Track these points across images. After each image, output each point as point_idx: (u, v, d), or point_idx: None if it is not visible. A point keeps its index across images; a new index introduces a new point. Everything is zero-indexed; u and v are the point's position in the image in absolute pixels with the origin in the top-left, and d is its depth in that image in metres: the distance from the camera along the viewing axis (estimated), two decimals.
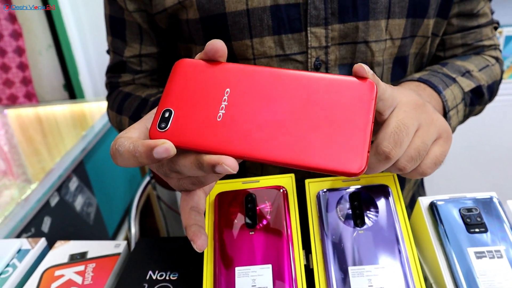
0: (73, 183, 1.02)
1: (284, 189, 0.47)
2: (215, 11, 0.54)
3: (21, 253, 0.56)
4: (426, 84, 0.55)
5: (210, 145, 0.31)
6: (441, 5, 0.59)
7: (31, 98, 1.57)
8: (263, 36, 0.55)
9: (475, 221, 0.46)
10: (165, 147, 0.30)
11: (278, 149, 0.31)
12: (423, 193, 0.81)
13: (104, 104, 1.49)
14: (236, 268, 0.42)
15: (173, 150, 0.31)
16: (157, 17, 0.60)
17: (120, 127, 0.67)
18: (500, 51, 0.70)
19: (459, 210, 0.47)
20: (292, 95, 0.32)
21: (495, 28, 0.69)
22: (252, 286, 0.40)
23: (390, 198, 0.45)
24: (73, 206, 1.02)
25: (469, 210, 0.47)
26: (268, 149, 0.31)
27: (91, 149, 1.14)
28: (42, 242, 0.58)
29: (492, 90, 0.65)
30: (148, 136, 0.33)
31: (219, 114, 0.32)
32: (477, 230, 0.45)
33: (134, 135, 0.34)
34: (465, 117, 0.63)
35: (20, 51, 1.49)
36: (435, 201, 0.48)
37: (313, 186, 0.48)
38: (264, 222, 0.44)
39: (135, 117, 0.62)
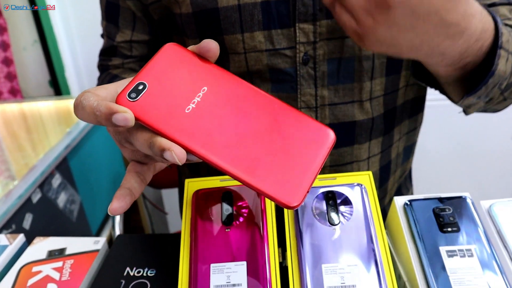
0: (56, 180, 1.02)
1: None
2: (208, 5, 0.55)
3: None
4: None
5: (169, 130, 0.32)
6: None
7: (15, 94, 1.55)
8: (254, 31, 0.56)
9: (448, 220, 0.47)
10: (125, 116, 0.31)
11: (229, 158, 0.32)
12: (409, 186, 0.81)
13: None
14: (212, 265, 0.42)
15: (131, 121, 0.32)
16: (151, 7, 0.61)
17: None
18: None
19: (433, 209, 0.48)
20: (261, 115, 0.34)
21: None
22: (227, 282, 0.41)
23: (365, 197, 0.46)
24: (56, 203, 1.01)
25: (443, 209, 0.48)
26: (220, 154, 0.32)
27: (75, 146, 1.14)
28: (21, 238, 0.58)
29: None
30: (115, 100, 0.33)
31: (188, 107, 0.33)
32: (449, 229, 0.46)
33: (102, 94, 0.34)
34: (502, 92, 0.53)
35: (4, 46, 1.47)
36: (409, 201, 0.49)
37: None
38: (241, 219, 0.45)
39: None
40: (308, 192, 0.32)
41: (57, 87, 1.60)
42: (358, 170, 0.65)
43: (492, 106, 0.57)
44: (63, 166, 1.07)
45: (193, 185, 0.49)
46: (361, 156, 0.64)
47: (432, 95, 0.75)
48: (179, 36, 0.62)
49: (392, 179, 0.72)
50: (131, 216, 1.46)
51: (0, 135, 1.38)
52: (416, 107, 0.70)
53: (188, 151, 0.32)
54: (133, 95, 0.33)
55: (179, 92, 0.34)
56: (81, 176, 1.16)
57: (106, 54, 0.69)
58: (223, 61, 0.60)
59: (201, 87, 0.34)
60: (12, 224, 0.85)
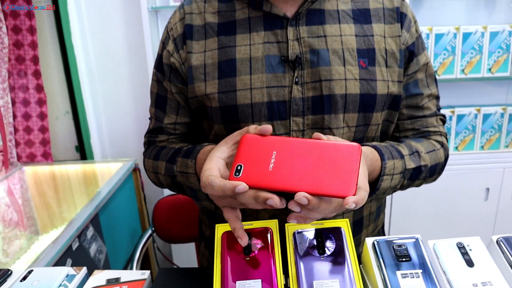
0: (90, 232, 1.19)
1: (270, 229, 0.67)
2: (230, 103, 0.77)
3: (69, 277, 0.72)
4: (377, 151, 0.76)
5: (266, 184, 0.55)
6: (391, 101, 0.82)
7: (47, 157, 1.75)
8: (261, 121, 0.77)
9: (402, 253, 0.65)
10: (243, 186, 0.55)
11: (303, 184, 0.55)
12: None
13: (112, 165, 1.68)
14: (237, 282, 0.60)
15: (247, 188, 0.55)
16: (190, 100, 0.83)
17: (155, 171, 0.85)
18: (447, 138, 0.90)
19: (392, 246, 0.67)
20: (310, 151, 0.58)
21: (442, 120, 0.89)
22: None
23: (343, 236, 0.65)
24: (88, 252, 1.17)
25: (399, 246, 0.66)
26: (296, 184, 0.55)
27: (104, 204, 1.32)
28: (84, 270, 0.75)
29: (435, 169, 0.85)
30: (228, 178, 0.58)
31: (270, 166, 0.57)
32: (403, 259, 0.65)
33: (216, 173, 0.59)
34: (403, 186, 0.82)
35: (42, 116, 1.70)
36: (376, 241, 0.68)
37: (290, 228, 0.68)
38: (256, 252, 0.63)
39: (171, 161, 0.81)
40: (357, 184, 0.55)
41: (83, 152, 1.81)
42: (347, 229, 0.84)
43: (413, 186, 0.87)
44: (95, 220, 1.25)
45: (222, 227, 0.68)
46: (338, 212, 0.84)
47: None
48: (207, 121, 0.84)
49: (366, 232, 0.90)
50: (143, 266, 1.60)
51: (30, 193, 1.57)
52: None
53: (279, 190, 0.54)
54: (237, 173, 0.57)
55: (262, 161, 0.58)
56: (108, 229, 1.33)
57: (153, 132, 0.89)
58: None
59: (272, 152, 0.59)
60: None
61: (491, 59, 1.85)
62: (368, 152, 0.73)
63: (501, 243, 0.70)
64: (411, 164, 0.80)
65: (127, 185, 1.56)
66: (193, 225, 1.49)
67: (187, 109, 0.86)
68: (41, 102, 1.69)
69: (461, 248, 0.67)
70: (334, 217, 0.82)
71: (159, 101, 0.87)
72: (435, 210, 1.99)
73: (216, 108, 0.78)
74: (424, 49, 0.86)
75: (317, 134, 0.62)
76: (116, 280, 0.72)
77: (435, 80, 0.89)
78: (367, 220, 0.90)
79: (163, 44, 0.85)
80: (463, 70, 1.86)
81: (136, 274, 0.73)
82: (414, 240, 0.68)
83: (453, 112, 1.92)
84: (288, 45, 0.77)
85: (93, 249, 1.20)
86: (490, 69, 1.86)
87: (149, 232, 1.53)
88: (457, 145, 1.97)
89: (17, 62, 1.64)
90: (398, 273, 0.62)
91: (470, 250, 0.67)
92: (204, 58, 0.79)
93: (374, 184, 0.76)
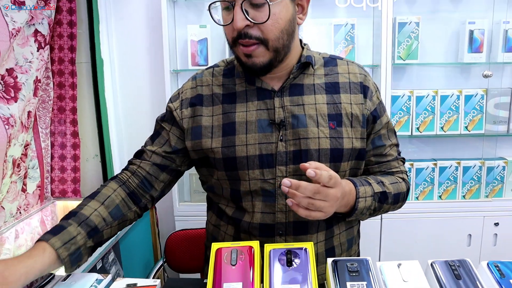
0: (111, 256, 1.37)
1: (253, 247, 0.86)
2: (230, 155, 0.98)
3: (98, 281, 0.91)
4: (352, 182, 0.95)
5: None
6: (357, 154, 1.03)
7: (76, 193, 1.97)
8: (254, 169, 0.98)
9: (354, 269, 0.83)
10: None
11: None
12: None
13: None
14: (224, 283, 0.78)
15: None
16: (193, 152, 1.04)
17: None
18: (407, 175, 1.12)
19: (346, 265, 0.85)
20: None
21: (402, 161, 1.12)
22: None
23: (307, 254, 0.84)
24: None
25: (352, 264, 0.84)
26: None
27: (124, 234, 1.51)
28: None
29: (398, 198, 1.05)
30: None
31: None
32: (354, 274, 0.82)
33: None
34: (375, 210, 1.01)
35: (75, 158, 1.94)
36: (333, 261, 0.86)
37: (268, 247, 0.87)
38: (240, 262, 0.82)
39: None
40: None
41: None
42: (311, 249, 1.02)
43: (382, 213, 1.06)
44: (116, 247, 1.44)
45: (216, 245, 0.87)
46: (312, 241, 1.02)
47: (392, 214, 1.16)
48: (208, 168, 1.05)
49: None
50: None
51: None
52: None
53: None
54: None
55: None
56: (126, 257, 1.52)
57: (134, 156, 1.07)
58: (238, 184, 1.01)
59: None
60: None
61: (467, 118, 2.05)
62: (344, 183, 0.92)
63: (434, 264, 0.88)
64: (378, 189, 0.99)
65: (144, 220, 1.75)
66: (199, 257, 1.66)
67: (170, 149, 1.05)
68: (75, 146, 1.93)
69: (400, 267, 0.85)
70: (304, 241, 1.01)
71: (153, 135, 1.09)
72: (421, 253, 2.11)
73: (220, 159, 1.00)
74: (384, 111, 1.08)
75: (302, 165, 0.83)
76: (134, 285, 0.91)
77: (395, 132, 1.11)
78: (339, 249, 1.07)
79: (171, 100, 1.08)
80: (442, 128, 2.06)
81: (149, 281, 0.92)
82: (364, 260, 0.86)
83: (435, 164, 2.10)
84: (275, 111, 0.99)
85: (112, 271, 1.38)
86: (466, 127, 2.06)
87: (161, 262, 1.71)
88: (441, 194, 2.13)
89: (58, 112, 1.90)
90: (348, 283, 0.80)
91: (407, 270, 0.84)
92: (212, 120, 1.01)
93: (350, 210, 0.97)
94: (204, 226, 1.21)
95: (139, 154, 1.08)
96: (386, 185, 1.02)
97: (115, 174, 1.08)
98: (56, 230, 0.88)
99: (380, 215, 2.02)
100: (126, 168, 1.08)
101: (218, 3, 0.92)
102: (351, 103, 1.01)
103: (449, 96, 2.03)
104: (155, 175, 1.05)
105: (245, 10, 0.88)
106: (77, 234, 0.89)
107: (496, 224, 2.10)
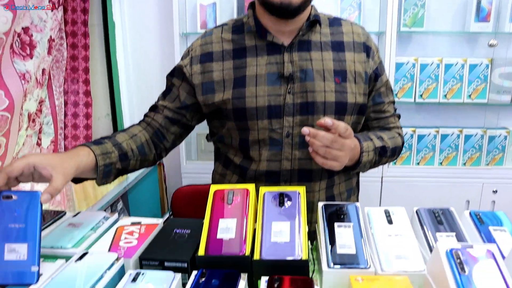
0: (120, 205, 1.44)
1: (248, 190, 0.90)
2: (240, 106, 1.02)
3: (105, 218, 0.97)
4: (356, 138, 0.98)
5: None
6: (359, 109, 1.06)
7: None
8: (263, 119, 1.02)
9: (341, 212, 0.87)
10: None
11: None
12: None
13: None
14: (220, 219, 0.83)
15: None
16: (206, 106, 1.07)
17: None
18: (401, 129, 1.16)
19: (335, 208, 0.89)
20: None
21: (398, 117, 1.16)
22: (226, 226, 0.82)
23: (299, 196, 0.88)
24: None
25: (341, 208, 0.89)
26: None
27: (133, 186, 1.58)
28: (116, 215, 0.99)
29: (395, 151, 1.10)
30: None
31: None
32: (342, 216, 0.87)
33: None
34: (376, 162, 1.06)
35: (87, 116, 1.99)
36: (323, 205, 0.90)
37: (263, 189, 0.91)
38: (236, 202, 0.87)
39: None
40: None
41: None
42: (313, 197, 1.07)
43: (380, 165, 1.10)
44: (124, 197, 1.50)
45: (214, 187, 0.92)
46: (315, 189, 1.07)
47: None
48: (220, 120, 1.08)
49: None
50: None
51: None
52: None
53: None
54: None
55: None
56: (134, 207, 1.59)
57: (149, 110, 1.14)
58: (247, 134, 1.05)
59: None
60: None
61: (471, 87, 2.05)
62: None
63: (418, 211, 0.91)
64: (378, 144, 1.04)
65: (152, 176, 1.81)
66: (205, 212, 1.73)
67: (179, 104, 1.10)
68: (88, 105, 1.98)
69: (387, 213, 0.89)
70: (307, 188, 1.05)
71: (165, 92, 1.14)
72: None
73: (230, 109, 1.04)
74: (384, 71, 1.11)
75: (318, 122, 0.87)
76: (138, 223, 0.96)
77: (392, 90, 1.15)
78: (339, 198, 1.12)
79: (182, 58, 1.12)
80: (445, 95, 2.06)
81: (153, 220, 0.98)
82: (354, 205, 0.90)
83: (437, 131, 2.12)
84: (284, 65, 1.02)
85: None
86: (470, 96, 2.06)
87: (167, 215, 1.78)
88: (441, 161, 2.15)
89: (72, 72, 1.95)
90: (336, 224, 0.84)
91: (393, 214, 0.88)
92: (223, 75, 1.05)
93: (355, 164, 1.01)
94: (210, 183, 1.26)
95: (153, 109, 1.14)
96: (385, 140, 1.07)
97: None
98: (95, 142, 0.97)
99: (380, 179, 2.05)
100: (142, 120, 1.14)
101: None
102: (354, 61, 1.05)
103: (454, 64, 2.02)
104: (167, 127, 1.11)
105: None
106: (112, 151, 0.97)
107: (495, 191, 2.12)
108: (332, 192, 1.11)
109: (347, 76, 1.03)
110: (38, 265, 0.73)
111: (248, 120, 1.03)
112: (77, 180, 0.97)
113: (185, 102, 1.10)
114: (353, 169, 1.03)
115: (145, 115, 1.14)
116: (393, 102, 1.15)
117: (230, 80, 1.04)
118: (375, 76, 1.08)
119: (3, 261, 0.72)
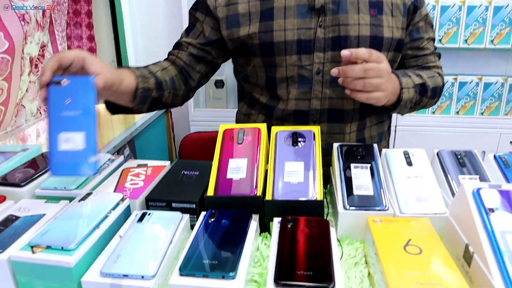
0: (126, 151, 1.40)
1: (260, 129, 0.85)
2: (268, 40, 0.95)
3: (110, 160, 0.93)
4: (394, 73, 0.91)
5: None
6: (396, 45, 0.98)
7: None
8: (292, 55, 0.95)
9: (358, 153, 0.82)
10: None
11: None
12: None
13: None
14: (230, 159, 0.79)
15: None
16: (230, 41, 1.00)
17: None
18: (441, 70, 1.08)
19: (352, 148, 0.83)
20: None
21: (438, 56, 1.08)
22: (237, 166, 0.77)
23: (313, 136, 0.82)
24: None
25: (357, 148, 0.83)
26: None
27: (140, 132, 1.54)
28: (122, 157, 0.95)
29: (435, 91, 1.03)
30: None
31: None
32: (359, 157, 0.81)
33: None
34: (416, 103, 0.99)
35: None
36: (339, 145, 0.84)
37: (274, 129, 0.86)
38: (247, 141, 0.82)
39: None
40: None
41: None
42: (343, 139, 1.02)
43: (420, 108, 1.04)
44: (131, 143, 1.46)
45: (223, 126, 0.87)
46: (345, 131, 1.01)
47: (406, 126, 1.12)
48: (245, 57, 1.01)
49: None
50: None
51: None
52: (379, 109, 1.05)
53: None
54: None
55: None
56: (141, 154, 1.55)
57: (173, 48, 1.08)
58: (274, 71, 0.98)
59: None
60: None
61: (494, 32, 1.93)
62: None
63: (440, 153, 0.86)
64: (418, 81, 0.97)
65: (159, 123, 1.76)
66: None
67: (204, 40, 1.03)
68: (92, 51, 1.91)
69: (406, 154, 0.83)
70: (337, 129, 1.00)
71: (188, 28, 1.06)
72: None
73: (257, 44, 0.97)
74: (424, 3, 1.02)
75: (342, 52, 0.79)
76: (145, 165, 0.92)
77: (432, 26, 1.06)
78: (369, 141, 1.06)
79: None
80: (466, 40, 1.94)
81: (159, 162, 0.94)
82: (370, 146, 0.84)
83: (455, 79, 2.02)
84: None
85: None
86: (492, 41, 1.94)
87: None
88: (458, 110, 2.07)
89: (74, 15, 1.86)
90: (352, 165, 0.80)
91: (413, 155, 0.83)
92: (249, 7, 0.97)
93: (395, 103, 0.94)
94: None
95: (176, 46, 1.08)
96: (425, 78, 0.99)
97: None
98: (135, 67, 0.95)
99: (394, 127, 1.99)
100: (166, 58, 1.08)
101: None
102: None
103: (477, 6, 1.89)
104: (192, 65, 1.05)
105: None
106: (149, 77, 0.95)
107: None
108: (363, 135, 1.05)
109: (383, 8, 0.95)
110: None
111: (275, 55, 0.96)
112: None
113: (210, 37, 1.03)
114: (393, 109, 0.96)
115: (169, 53, 1.08)
116: (433, 40, 1.06)
117: (256, 13, 0.96)
118: (414, 9, 0.99)
119: (58, 152, 0.66)
